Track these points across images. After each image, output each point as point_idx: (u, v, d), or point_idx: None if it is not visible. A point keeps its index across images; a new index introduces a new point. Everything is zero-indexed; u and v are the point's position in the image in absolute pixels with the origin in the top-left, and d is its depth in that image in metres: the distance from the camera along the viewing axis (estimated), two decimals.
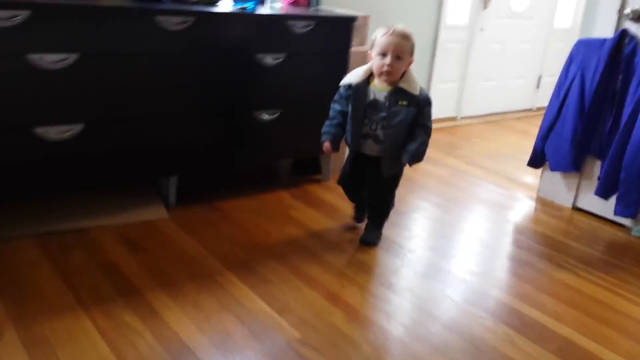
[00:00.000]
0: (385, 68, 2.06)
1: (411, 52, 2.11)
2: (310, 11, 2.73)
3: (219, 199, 2.58)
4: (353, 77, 2.17)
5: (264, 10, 2.53)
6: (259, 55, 2.43)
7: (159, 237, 2.19)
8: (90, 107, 2.08)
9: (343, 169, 2.32)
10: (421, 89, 2.14)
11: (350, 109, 2.15)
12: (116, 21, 2.06)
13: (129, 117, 2.20)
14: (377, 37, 2.10)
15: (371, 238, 2.31)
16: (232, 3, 2.49)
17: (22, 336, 1.56)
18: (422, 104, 2.12)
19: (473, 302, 1.97)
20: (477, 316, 1.89)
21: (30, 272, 1.88)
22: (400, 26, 2.10)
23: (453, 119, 4.48)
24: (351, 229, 2.44)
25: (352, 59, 2.71)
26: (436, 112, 4.18)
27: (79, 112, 2.07)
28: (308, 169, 3.01)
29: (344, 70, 2.59)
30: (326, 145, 2.18)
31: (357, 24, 2.72)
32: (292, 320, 1.76)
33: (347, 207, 2.58)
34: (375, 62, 2.10)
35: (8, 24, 1.84)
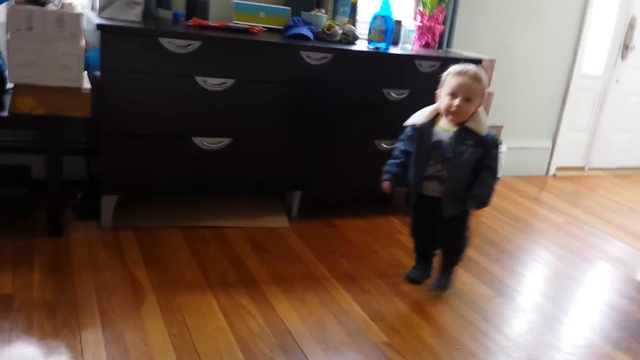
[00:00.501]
0: (454, 109, 2.04)
1: (481, 95, 2.08)
2: (439, 53, 2.94)
3: (336, 217, 2.84)
4: (418, 117, 2.15)
5: (394, 50, 2.79)
6: (385, 90, 2.69)
7: (279, 242, 2.50)
8: (239, 125, 2.47)
9: (412, 218, 2.29)
10: (489, 131, 2.10)
11: (414, 149, 2.14)
12: (268, 54, 2.43)
13: (269, 137, 2.56)
14: (448, 77, 2.09)
15: (443, 284, 2.25)
16: (368, 43, 2.79)
17: (160, 303, 1.92)
18: (489, 145, 2.08)
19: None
20: None
21: (174, 255, 2.27)
22: (473, 68, 2.08)
23: (581, 168, 4.38)
24: None
25: None
26: (562, 159, 4.18)
27: (230, 128, 2.47)
28: None
29: None
30: (385, 184, 2.17)
31: (481, 66, 2.88)
32: (383, 327, 1.95)
33: None
34: (443, 101, 2.08)
35: (184, 51, 2.28)
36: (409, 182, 2.17)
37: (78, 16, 2.03)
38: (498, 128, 3.22)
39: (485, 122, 2.10)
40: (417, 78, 2.74)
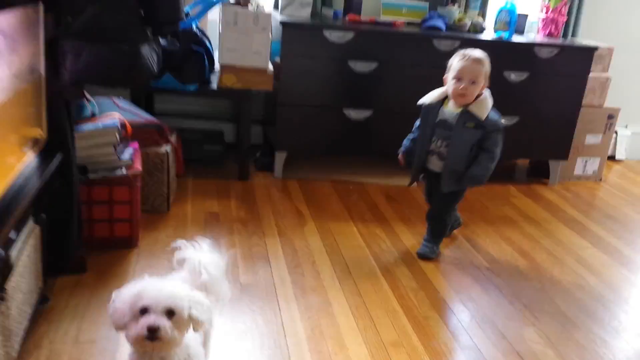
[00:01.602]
0: (460, 91, 2.19)
1: (486, 77, 2.22)
2: (559, 41, 3.30)
3: None
4: (428, 97, 2.32)
5: (516, 38, 3.22)
6: (506, 73, 3.14)
7: (407, 196, 3.09)
8: (379, 100, 3.10)
9: (424, 188, 2.54)
10: (492, 115, 2.22)
11: (420, 126, 2.36)
12: (406, 42, 3.02)
13: (403, 111, 3.14)
14: (454, 62, 2.25)
15: (428, 252, 2.40)
16: (494, 32, 3.25)
17: (317, 226, 2.62)
18: (489, 128, 2.20)
19: None
20: None
21: (326, 198, 2.96)
22: (477, 52, 2.24)
23: None
24: (564, 218, 2.97)
25: (592, 83, 3.20)
26: None
27: (372, 102, 3.10)
28: (540, 173, 3.56)
29: (581, 91, 3.14)
30: (400, 157, 2.43)
31: (599, 53, 3.20)
32: (488, 259, 2.47)
33: (563, 203, 3.11)
34: (450, 85, 2.23)
35: (341, 40, 2.95)
36: (414, 156, 2.37)
37: (268, 15, 2.80)
38: (615, 111, 3.47)
39: (488, 105, 2.24)
40: (536, 63, 3.15)
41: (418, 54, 3.06)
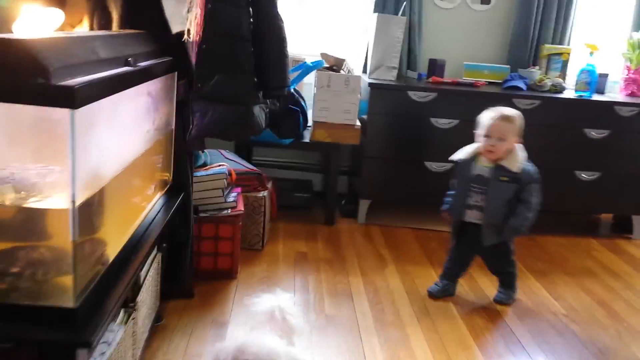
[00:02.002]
0: (488, 148, 2.29)
1: (515, 134, 2.30)
2: None
3: (540, 233, 3.43)
4: (461, 153, 2.42)
5: (597, 97, 3.33)
6: (586, 130, 3.25)
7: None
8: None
9: (453, 242, 2.56)
10: (527, 167, 2.30)
11: (457, 181, 2.45)
12: (486, 101, 3.22)
13: None
14: (483, 119, 2.34)
15: (504, 299, 2.51)
16: (574, 92, 3.38)
17: (397, 268, 2.81)
18: (525, 180, 2.28)
19: None
20: None
21: (406, 244, 3.16)
22: (506, 110, 2.32)
23: None
24: None
25: None
26: None
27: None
28: (624, 228, 3.55)
29: None
30: (444, 214, 2.53)
31: None
32: (565, 306, 2.54)
33: None
34: (480, 142, 2.34)
35: (424, 100, 3.21)
36: (453, 209, 2.46)
37: (358, 78, 3.12)
38: None
39: (519, 158, 2.32)
40: (617, 120, 3.23)
41: None
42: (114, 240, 1.43)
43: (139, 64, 1.51)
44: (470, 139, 3.25)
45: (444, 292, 2.53)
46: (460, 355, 2.10)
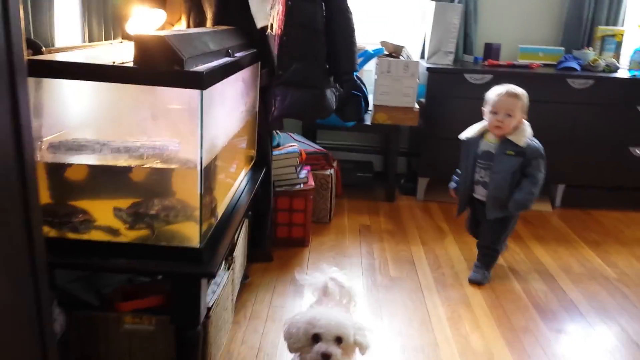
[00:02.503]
0: (496, 124, 2.34)
1: (522, 110, 2.36)
2: None
3: (596, 208, 3.55)
4: (469, 131, 2.49)
5: None
6: (639, 107, 3.34)
7: (542, 219, 3.37)
8: None
9: (467, 217, 2.67)
10: (532, 143, 2.34)
11: (463, 158, 2.52)
12: (542, 82, 3.37)
13: (539, 140, 3.46)
14: (490, 96, 2.40)
15: (480, 279, 2.52)
16: (628, 71, 3.47)
17: (456, 239, 3.02)
18: (530, 155, 2.33)
19: None
20: None
21: (464, 219, 3.36)
22: (512, 87, 2.38)
23: None
24: None
25: None
26: None
27: None
28: None
29: None
30: (451, 191, 2.65)
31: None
32: (617, 272, 2.70)
33: None
34: (487, 118, 2.40)
35: (480, 82, 3.39)
36: (459, 187, 2.57)
37: (416, 63, 3.34)
38: None
39: (526, 134, 2.37)
40: None
41: (552, 91, 3.39)
42: (221, 201, 1.73)
43: (236, 54, 1.80)
44: (531, 117, 3.41)
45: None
46: (516, 313, 2.31)
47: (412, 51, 3.65)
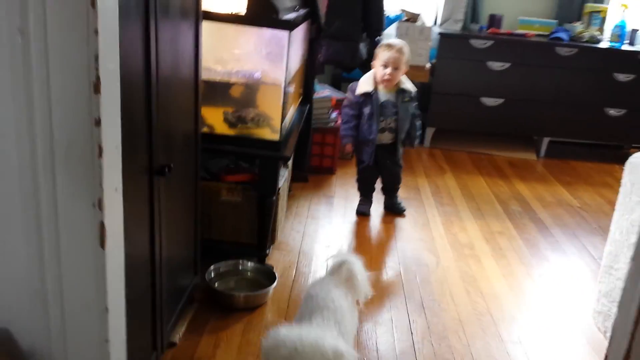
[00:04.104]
0: (387, 77, 2.66)
1: (406, 64, 2.72)
2: None
3: (574, 159, 4.23)
4: (366, 86, 2.72)
5: (626, 47, 4.04)
6: (614, 74, 3.99)
7: (527, 165, 4.05)
8: (509, 91, 4.11)
9: (364, 167, 2.88)
10: (413, 88, 2.78)
11: (367, 111, 2.73)
12: (534, 48, 4.01)
13: (529, 99, 4.13)
14: (380, 52, 2.69)
15: (403, 207, 3.00)
16: (609, 43, 4.10)
17: (454, 176, 3.71)
18: (415, 99, 2.82)
19: None
20: None
21: (462, 162, 4.04)
22: (399, 42, 2.70)
23: None
24: None
25: None
26: None
27: (504, 93, 4.12)
28: None
29: None
30: (349, 147, 2.85)
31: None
32: (581, 202, 3.40)
33: None
34: (378, 71, 2.69)
35: (483, 46, 4.03)
36: (365, 138, 2.79)
37: (430, 29, 3.97)
38: None
39: (409, 82, 2.83)
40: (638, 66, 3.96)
41: (542, 57, 4.03)
42: (288, 116, 2.42)
43: (299, 10, 2.46)
44: (520, 80, 4.06)
45: (370, 207, 3.02)
46: (495, 222, 3.01)
47: (427, 18, 4.28)
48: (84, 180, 0.81)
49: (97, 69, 0.77)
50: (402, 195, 3.23)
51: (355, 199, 3.09)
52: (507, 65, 4.06)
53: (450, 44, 4.08)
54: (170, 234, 1.54)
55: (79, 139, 0.79)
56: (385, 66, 2.70)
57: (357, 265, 1.68)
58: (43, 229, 0.83)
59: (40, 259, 0.85)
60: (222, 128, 2.14)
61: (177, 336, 1.79)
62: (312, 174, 3.45)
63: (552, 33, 4.21)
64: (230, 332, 1.90)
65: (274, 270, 2.20)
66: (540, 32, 4.32)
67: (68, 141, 0.79)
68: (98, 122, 0.79)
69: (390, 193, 3.06)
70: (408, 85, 2.83)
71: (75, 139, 0.79)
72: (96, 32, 0.75)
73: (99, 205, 0.83)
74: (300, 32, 2.49)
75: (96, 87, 0.78)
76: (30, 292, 0.87)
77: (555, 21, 4.36)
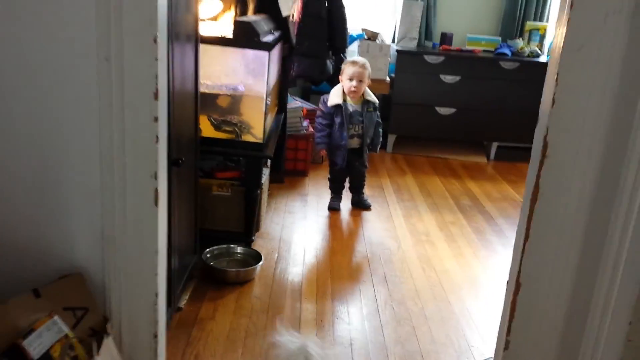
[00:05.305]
0: (353, 89, 3.10)
1: (369, 77, 3.16)
2: None
3: (520, 161, 4.73)
4: (336, 98, 3.14)
5: None
6: None
7: (477, 167, 4.54)
8: (461, 101, 4.60)
9: (336, 169, 3.29)
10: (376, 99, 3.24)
11: (338, 120, 3.13)
12: (481, 63, 4.52)
13: (478, 108, 4.62)
14: (346, 67, 3.11)
15: (368, 202, 3.41)
16: (547, 57, 4.64)
17: (413, 176, 4.16)
18: (377, 108, 3.27)
19: None
20: None
21: (421, 165, 4.49)
22: (361, 59, 3.15)
23: None
24: None
25: None
26: None
27: (456, 103, 4.61)
28: None
29: None
30: (324, 152, 3.29)
31: None
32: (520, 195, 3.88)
33: None
34: (345, 84, 3.12)
35: (435, 62, 4.51)
36: (337, 143, 3.20)
37: (388, 46, 4.44)
38: None
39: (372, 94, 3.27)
40: None
41: (489, 71, 4.54)
42: (268, 122, 2.82)
43: (274, 33, 2.87)
44: (467, 90, 4.55)
45: (340, 203, 3.42)
46: (449, 215, 3.46)
47: (386, 36, 4.76)
48: (145, 159, 1.18)
49: (156, 84, 1.15)
50: (368, 193, 3.66)
51: (326, 197, 3.50)
52: (458, 78, 4.55)
53: (407, 60, 4.55)
54: (180, 218, 1.92)
55: (143, 130, 1.17)
56: (351, 79, 3.13)
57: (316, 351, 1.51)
58: (115, 192, 1.20)
59: (112, 215, 1.21)
60: (208, 131, 2.52)
61: (183, 302, 2.16)
62: (287, 176, 3.85)
63: (497, 49, 4.73)
64: (226, 300, 2.28)
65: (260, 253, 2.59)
66: (487, 48, 4.84)
67: (136, 132, 1.17)
68: (156, 119, 1.17)
69: (357, 190, 3.48)
70: (371, 96, 3.28)
71: (141, 130, 1.17)
72: (156, 59, 1.13)
73: (155, 176, 1.20)
74: (276, 51, 2.90)
75: (155, 95, 1.15)
76: (104, 239, 1.23)
77: (499, 38, 4.89)
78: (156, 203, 1.23)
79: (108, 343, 1.22)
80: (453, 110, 4.63)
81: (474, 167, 4.53)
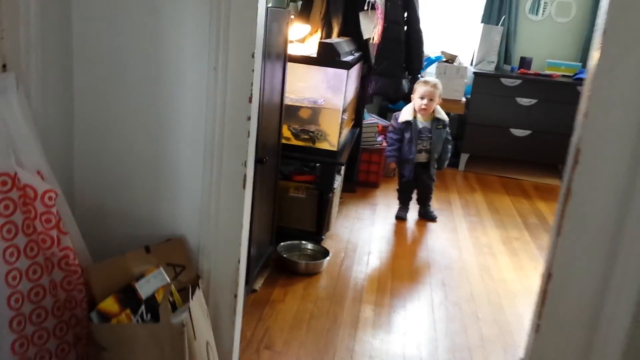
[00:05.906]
0: (423, 106, 3.34)
1: (439, 96, 3.38)
2: None
3: None
4: (407, 115, 3.39)
5: None
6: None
7: (550, 188, 4.59)
8: (535, 124, 4.68)
9: (404, 181, 3.53)
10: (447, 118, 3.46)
11: (407, 136, 3.39)
12: (557, 86, 4.58)
13: (553, 131, 4.68)
14: (418, 86, 3.37)
15: (434, 215, 3.61)
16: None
17: (483, 195, 4.29)
18: (447, 126, 3.46)
19: None
20: None
21: (492, 184, 4.61)
22: (433, 79, 3.41)
23: None
24: None
25: None
26: None
27: (530, 125, 4.69)
28: None
29: None
30: (393, 165, 3.58)
31: None
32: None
33: None
34: (416, 102, 3.36)
35: (512, 84, 4.63)
36: (406, 157, 3.45)
37: (465, 68, 4.62)
38: None
39: (443, 112, 3.49)
40: None
41: (566, 95, 4.60)
42: (343, 134, 3.11)
43: (355, 54, 3.17)
44: (542, 113, 4.62)
45: (407, 213, 3.65)
46: (514, 232, 3.57)
47: (464, 59, 4.94)
48: (239, 150, 1.50)
49: (251, 90, 1.46)
50: (435, 206, 3.84)
51: (395, 207, 3.72)
52: (534, 101, 4.64)
53: (484, 82, 4.71)
54: (261, 212, 2.23)
55: (239, 127, 1.48)
56: (422, 98, 3.38)
57: None
58: (213, 175, 1.51)
59: (209, 193, 1.53)
60: (289, 138, 2.84)
61: (258, 285, 2.47)
62: (360, 187, 4.11)
63: (576, 74, 4.77)
64: (295, 287, 2.57)
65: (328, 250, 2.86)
66: (566, 73, 4.89)
67: (233, 127, 1.48)
68: (249, 118, 1.48)
69: (424, 202, 3.68)
70: (441, 114, 3.50)
71: (237, 126, 1.48)
72: (253, 70, 1.45)
73: (245, 164, 1.51)
74: (355, 70, 3.20)
75: (250, 99, 1.46)
76: (201, 212, 1.55)
77: (579, 64, 4.92)
78: (244, 186, 1.53)
79: (199, 294, 1.52)
80: (528, 132, 4.71)
81: (546, 189, 4.58)
